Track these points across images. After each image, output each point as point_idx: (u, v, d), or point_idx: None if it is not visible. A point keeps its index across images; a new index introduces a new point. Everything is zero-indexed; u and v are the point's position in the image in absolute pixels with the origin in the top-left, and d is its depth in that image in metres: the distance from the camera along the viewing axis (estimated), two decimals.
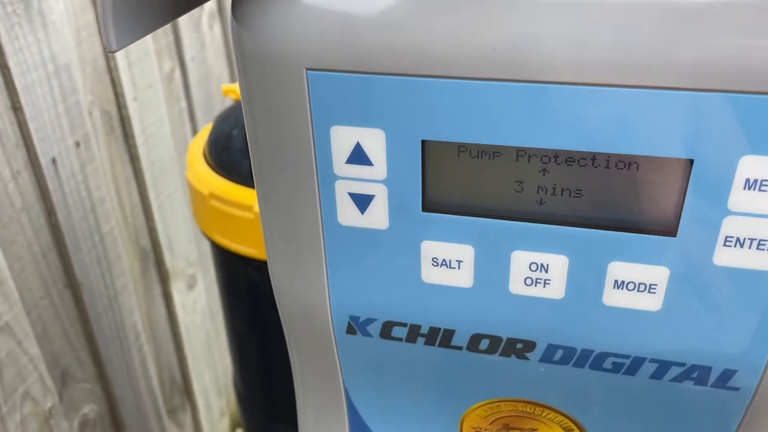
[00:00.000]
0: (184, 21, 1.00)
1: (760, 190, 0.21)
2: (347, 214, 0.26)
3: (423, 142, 0.23)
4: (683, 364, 0.26)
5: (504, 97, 0.22)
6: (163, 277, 1.02)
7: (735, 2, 0.19)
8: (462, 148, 0.23)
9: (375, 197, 0.25)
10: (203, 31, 1.06)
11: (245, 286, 0.72)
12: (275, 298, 0.31)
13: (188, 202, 1.05)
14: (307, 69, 0.23)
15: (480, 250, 0.25)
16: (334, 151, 0.24)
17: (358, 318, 0.28)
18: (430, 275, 0.26)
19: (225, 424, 1.24)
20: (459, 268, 0.26)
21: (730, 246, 0.22)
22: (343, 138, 0.24)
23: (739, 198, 0.22)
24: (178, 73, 1.02)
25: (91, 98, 0.83)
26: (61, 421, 0.78)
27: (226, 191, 0.65)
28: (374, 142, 0.24)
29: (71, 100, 0.79)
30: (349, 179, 0.25)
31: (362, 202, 0.25)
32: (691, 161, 0.21)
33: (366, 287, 0.27)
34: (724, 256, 0.23)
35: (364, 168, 0.24)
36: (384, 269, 0.26)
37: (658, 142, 0.21)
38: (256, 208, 0.63)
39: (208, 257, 1.11)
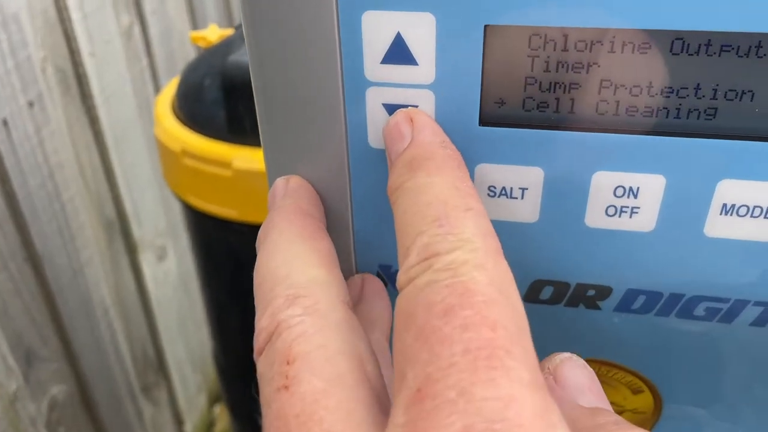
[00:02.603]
0: None
1: None
2: (381, 133, 0.20)
3: (487, 29, 0.18)
4: None
5: None
6: (131, 249, 0.95)
7: None
8: (536, 37, 0.18)
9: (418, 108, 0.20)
10: None
11: (224, 251, 0.66)
12: None
13: (154, 167, 0.98)
14: None
15: (551, 174, 0.20)
16: (366, 46, 0.19)
17: (390, 267, 0.23)
18: (486, 209, 0.21)
19: (202, 399, 1.18)
20: (522, 197, 0.21)
21: None
22: (378, 28, 0.18)
23: None
24: (137, 29, 0.94)
25: (44, 53, 0.76)
26: (27, 403, 0.72)
27: (200, 147, 0.59)
28: (421, 31, 0.18)
29: (21, 55, 0.71)
30: (384, 85, 0.19)
31: None
32: None
33: None
34: None
35: (405, 69, 0.19)
36: None
37: None
38: (235, 164, 0.57)
39: (178, 226, 1.05)
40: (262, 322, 0.17)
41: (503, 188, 0.21)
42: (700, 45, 0.17)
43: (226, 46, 0.63)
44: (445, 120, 0.20)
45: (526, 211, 0.21)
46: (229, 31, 0.68)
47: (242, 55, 0.58)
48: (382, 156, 0.21)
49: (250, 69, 0.21)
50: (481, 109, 0.19)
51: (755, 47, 0.17)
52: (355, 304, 0.22)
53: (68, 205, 0.80)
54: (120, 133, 0.90)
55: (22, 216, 0.72)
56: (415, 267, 0.16)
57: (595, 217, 0.21)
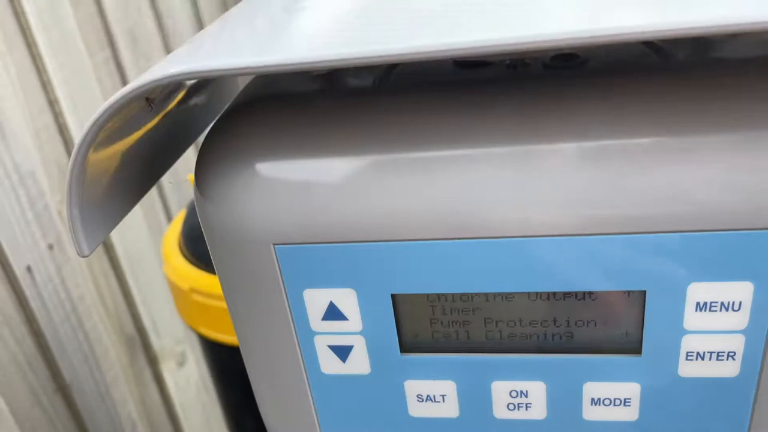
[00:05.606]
0: None
1: (710, 310, 0.23)
2: (329, 364, 0.27)
3: (393, 296, 0.25)
4: None
5: (462, 254, 0.23)
6: (152, 360, 1.01)
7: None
8: (431, 296, 0.25)
9: (354, 347, 0.26)
10: None
11: (238, 372, 0.72)
12: None
13: (168, 282, 1.05)
14: (275, 244, 0.24)
15: (461, 384, 0.26)
16: (309, 311, 0.25)
17: None
18: (417, 410, 0.27)
19: None
20: (444, 401, 0.27)
21: (692, 360, 0.24)
22: (316, 299, 0.25)
23: (692, 319, 0.23)
24: None
25: (60, 197, 0.83)
26: None
27: (207, 285, 0.65)
28: (347, 300, 0.25)
29: (39, 205, 0.79)
30: (327, 334, 0.26)
31: (342, 352, 0.26)
32: (644, 293, 0.23)
33: (357, 427, 0.28)
34: (688, 369, 0.24)
35: (340, 323, 0.26)
36: (371, 409, 0.27)
37: (612, 278, 0.23)
38: None
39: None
40: None
41: (428, 395, 0.27)
42: (548, 295, 0.24)
43: None
44: (375, 353, 0.26)
45: (449, 410, 0.27)
46: None
47: None
48: (333, 379, 0.27)
49: (233, 323, 0.27)
50: (400, 343, 0.26)
51: (588, 294, 0.24)
52: None
53: (91, 332, 0.86)
54: (134, 256, 0.97)
55: (50, 351, 0.78)
56: None
57: (500, 411, 0.27)
